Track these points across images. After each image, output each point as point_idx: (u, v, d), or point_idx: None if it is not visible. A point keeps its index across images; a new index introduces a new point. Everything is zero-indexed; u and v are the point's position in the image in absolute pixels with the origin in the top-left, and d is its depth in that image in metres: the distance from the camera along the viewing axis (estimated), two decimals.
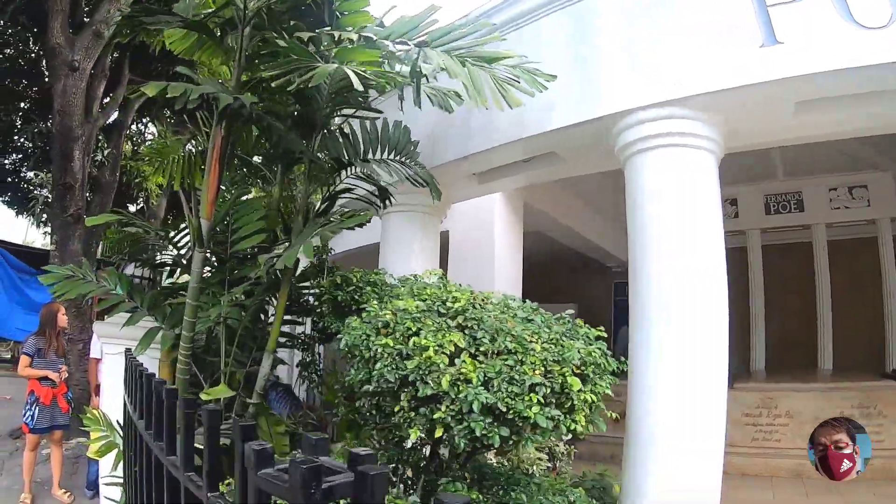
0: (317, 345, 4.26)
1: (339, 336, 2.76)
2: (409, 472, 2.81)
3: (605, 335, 2.64)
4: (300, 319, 4.25)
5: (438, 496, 0.78)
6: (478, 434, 2.06)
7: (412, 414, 2.26)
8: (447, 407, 2.12)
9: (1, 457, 6.59)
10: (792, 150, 7.25)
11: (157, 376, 2.06)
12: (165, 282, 4.48)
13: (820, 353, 8.99)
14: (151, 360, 3.58)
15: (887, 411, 6.64)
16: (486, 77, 2.77)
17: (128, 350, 3.74)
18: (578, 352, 2.31)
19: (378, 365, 2.33)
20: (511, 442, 2.19)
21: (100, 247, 9.62)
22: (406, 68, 2.96)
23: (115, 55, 9.09)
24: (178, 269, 4.15)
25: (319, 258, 4.05)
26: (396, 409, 2.31)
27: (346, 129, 3.85)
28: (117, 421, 3.53)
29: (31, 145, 11.64)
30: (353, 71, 2.31)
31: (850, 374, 7.69)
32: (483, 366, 2.16)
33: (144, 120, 12.72)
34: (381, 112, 3.70)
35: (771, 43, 3.21)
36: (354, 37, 2.56)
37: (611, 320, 10.37)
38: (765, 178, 9.23)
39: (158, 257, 4.41)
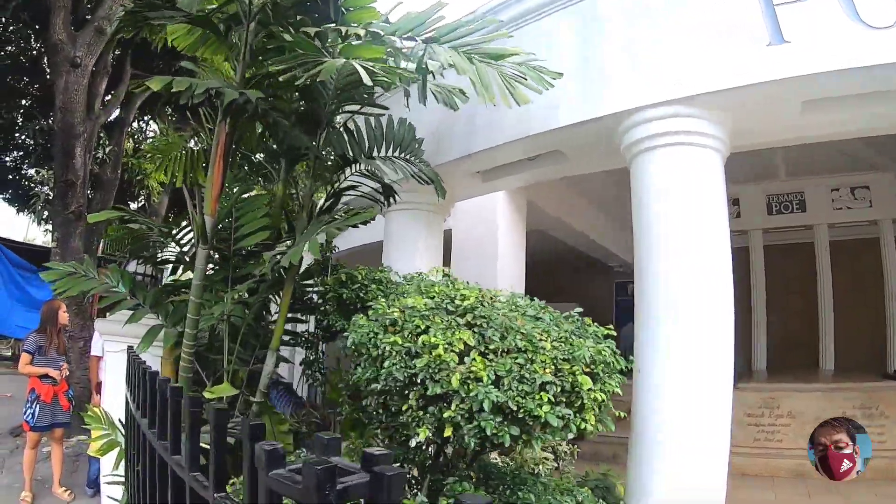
0: (320, 343, 4.23)
1: (345, 334, 2.73)
2: (415, 472, 2.79)
3: (615, 333, 2.62)
4: (304, 317, 4.23)
5: (460, 497, 0.76)
6: (488, 433, 2.04)
7: (420, 413, 2.24)
8: (457, 406, 2.10)
9: (1, 454, 6.57)
10: (794, 150, 7.23)
11: (160, 374, 2.04)
12: (167, 279, 4.46)
13: (821, 353, 8.99)
14: (153, 358, 3.55)
15: (889, 412, 6.64)
16: (494, 74, 2.75)
17: (130, 348, 3.73)
18: (588, 350, 2.29)
19: (386, 363, 2.30)
20: (521, 441, 2.17)
21: (101, 244, 9.61)
22: (412, 65, 2.94)
23: (117, 52, 9.08)
24: (181, 267, 4.12)
25: (324, 256, 4.03)
26: (404, 407, 2.29)
27: (351, 127, 3.83)
28: (119, 419, 3.51)
29: (32, 143, 11.63)
30: (362, 65, 2.29)
31: (852, 375, 7.68)
32: (493, 364, 2.14)
33: (146, 117, 12.70)
34: (387, 108, 3.68)
35: (778, 42, 3.20)
36: (361, 32, 2.54)
37: (613, 320, 10.34)
38: (767, 178, 9.22)
39: (160, 255, 4.38)
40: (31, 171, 12.91)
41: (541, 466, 3.40)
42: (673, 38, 3.49)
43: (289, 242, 3.82)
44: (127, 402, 2.94)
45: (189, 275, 4.07)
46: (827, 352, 8.95)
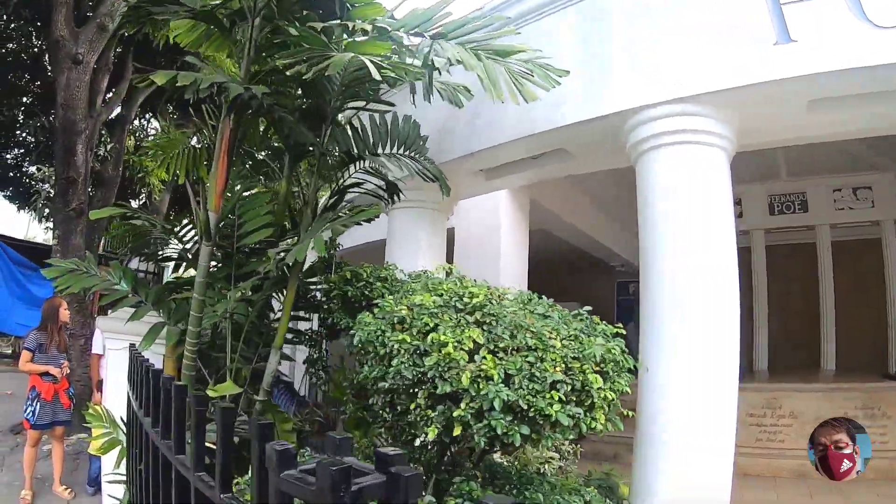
0: (324, 341, 4.21)
1: (352, 332, 2.71)
2: (420, 471, 2.76)
3: (624, 332, 2.61)
4: (307, 315, 4.20)
5: (484, 498, 0.74)
6: (499, 432, 2.01)
7: (429, 412, 2.21)
8: (466, 404, 2.07)
9: (2, 452, 6.55)
10: (796, 150, 7.23)
11: (163, 372, 2.02)
12: (169, 276, 4.44)
13: (823, 353, 8.99)
14: (155, 356, 3.53)
15: (891, 412, 6.62)
16: (501, 70, 2.73)
17: (132, 345, 3.71)
18: (599, 348, 2.27)
19: (394, 362, 2.28)
20: (531, 440, 2.15)
21: (102, 242, 9.59)
22: (417, 62, 2.92)
23: (119, 50, 9.06)
24: (184, 264, 4.09)
25: (328, 253, 4.01)
26: (412, 406, 2.27)
27: (356, 123, 3.81)
28: (121, 417, 3.49)
29: (33, 140, 11.61)
30: (370, 60, 2.27)
31: (854, 376, 7.67)
32: (503, 362, 2.12)
33: (147, 115, 12.68)
34: (393, 104, 3.66)
35: (785, 41, 3.20)
36: (368, 27, 2.52)
37: (614, 319, 10.34)
38: (769, 179, 9.20)
39: (162, 252, 4.36)
40: (32, 169, 12.88)
41: (546, 466, 3.38)
42: (679, 36, 3.49)
43: (289, 241, 3.82)
44: (129, 401, 2.92)
45: (191, 272, 4.05)
46: (828, 352, 8.95)
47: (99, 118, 8.37)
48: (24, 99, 11.33)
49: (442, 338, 2.19)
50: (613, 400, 2.30)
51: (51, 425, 5.46)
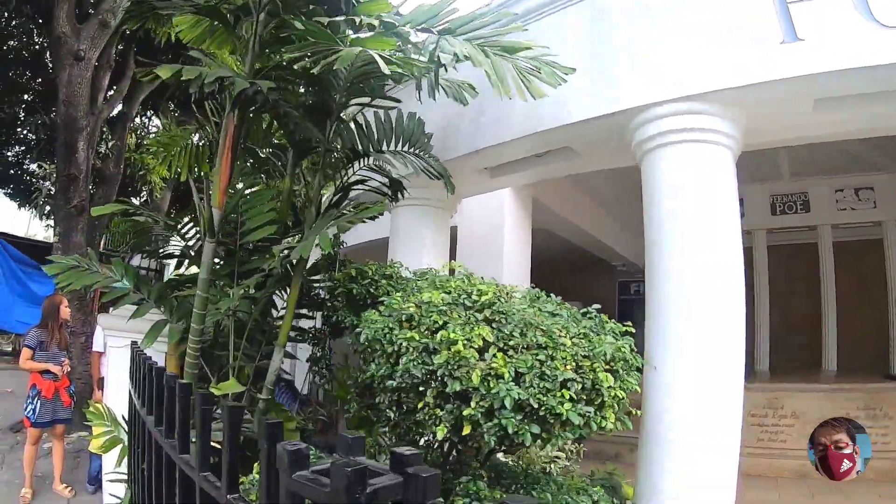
0: (328, 339, 4.19)
1: (357, 330, 2.68)
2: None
3: (633, 330, 2.59)
4: (311, 313, 4.18)
5: (507, 499, 0.72)
6: (510, 431, 1.99)
7: (437, 410, 2.19)
8: (476, 403, 2.05)
9: (2, 451, 6.52)
10: (798, 151, 7.22)
11: (166, 370, 1.99)
12: (171, 274, 4.41)
13: (824, 354, 8.98)
14: (157, 354, 3.51)
15: (893, 413, 6.60)
16: (509, 67, 2.71)
17: (134, 343, 3.68)
18: (609, 347, 2.25)
19: (403, 359, 2.25)
20: (540, 440, 2.12)
21: (103, 240, 9.57)
22: (423, 59, 2.89)
23: (121, 47, 9.04)
24: (186, 261, 4.07)
25: (334, 251, 3.99)
26: (420, 405, 2.24)
27: (360, 120, 3.78)
28: (122, 416, 3.47)
29: (34, 137, 11.59)
30: (379, 55, 2.25)
31: (856, 376, 7.65)
32: (514, 361, 2.09)
33: (149, 113, 12.66)
34: (399, 101, 3.64)
35: (791, 39, 3.19)
36: (376, 23, 2.50)
37: (616, 319, 10.34)
38: (771, 179, 9.18)
39: (164, 249, 4.34)
40: (33, 166, 12.86)
41: (552, 465, 3.35)
42: (685, 34, 3.48)
43: (289, 239, 3.79)
44: (130, 399, 2.89)
45: (193, 269, 4.03)
46: (829, 352, 8.94)
47: (100, 115, 8.35)
48: (25, 96, 11.31)
49: (451, 335, 2.16)
50: (623, 399, 2.27)
51: (51, 423, 5.43)
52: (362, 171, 3.87)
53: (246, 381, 3.60)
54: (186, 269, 4.20)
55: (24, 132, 11.65)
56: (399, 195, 4.02)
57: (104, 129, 10.02)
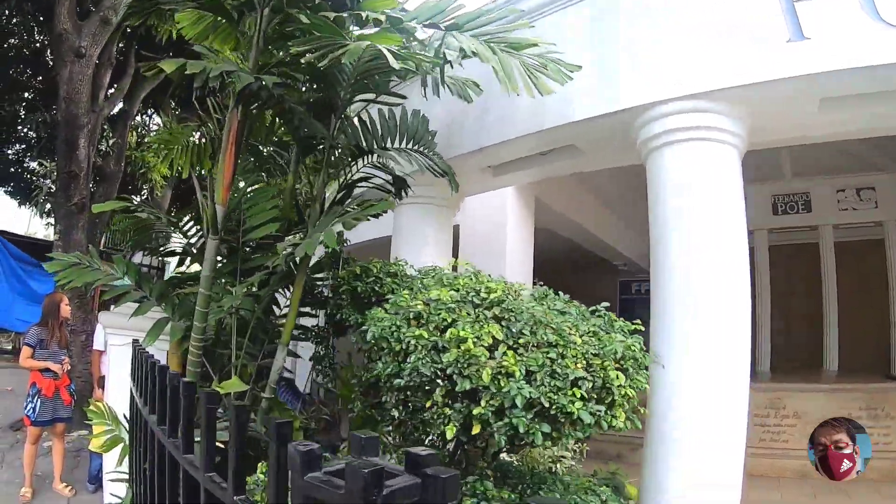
0: (331, 338, 4.16)
1: (364, 327, 2.65)
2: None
3: (642, 328, 2.57)
4: (314, 312, 4.16)
5: (533, 499, 0.69)
6: (521, 431, 1.96)
7: (446, 409, 2.16)
8: (487, 402, 2.02)
9: (1, 449, 6.50)
10: (800, 150, 7.20)
11: (169, 368, 1.97)
12: (173, 271, 4.38)
13: (825, 354, 8.96)
14: (159, 352, 3.48)
15: (895, 413, 6.58)
16: (516, 64, 2.69)
17: (136, 341, 3.65)
18: (619, 345, 2.22)
19: (411, 358, 2.22)
20: (550, 439, 2.10)
21: (103, 237, 9.54)
22: (428, 55, 2.87)
23: (121, 45, 9.01)
24: (189, 258, 4.04)
25: (340, 248, 3.96)
26: (428, 404, 2.21)
27: (364, 117, 3.76)
28: (123, 414, 3.44)
29: (34, 135, 11.57)
30: (388, 49, 2.22)
31: (857, 376, 7.64)
32: (524, 359, 2.07)
33: (149, 111, 12.64)
34: (404, 97, 3.62)
35: (798, 38, 3.19)
36: (382, 18, 2.47)
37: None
38: (773, 179, 9.16)
39: (165, 246, 4.31)
40: (34, 164, 12.85)
41: (558, 465, 3.33)
42: (692, 32, 3.46)
43: (291, 237, 3.77)
44: (132, 397, 2.87)
45: (195, 267, 4.01)
46: (831, 353, 8.92)
47: (101, 113, 8.33)
48: (26, 94, 11.30)
49: (461, 333, 2.13)
50: (633, 397, 2.25)
51: (51, 422, 5.41)
52: (366, 168, 3.84)
53: (248, 379, 3.57)
54: (188, 266, 4.17)
55: (25, 130, 11.63)
56: (403, 193, 3.99)
57: (105, 127, 10.00)
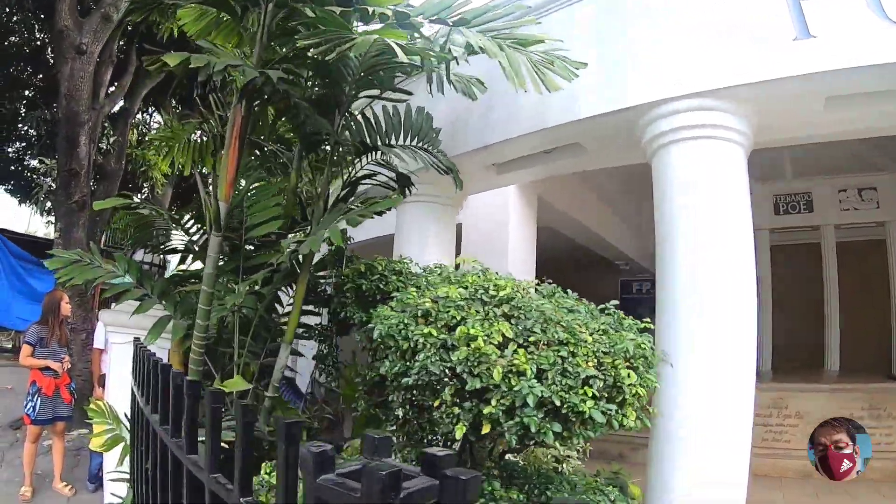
0: (335, 336, 4.14)
1: (370, 325, 2.62)
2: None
3: (652, 327, 2.55)
4: (317, 310, 4.13)
5: (554, 500, 0.67)
6: (533, 430, 1.93)
7: (454, 409, 2.13)
8: (497, 401, 1.99)
9: (1, 448, 6.48)
10: (801, 150, 7.19)
11: (172, 367, 1.94)
12: (174, 269, 4.36)
13: (827, 354, 8.95)
14: (160, 351, 3.46)
15: None
16: (524, 60, 2.66)
17: (137, 339, 3.62)
18: (630, 343, 2.20)
19: (420, 356, 2.19)
20: (561, 438, 2.07)
21: (104, 236, 9.51)
22: (435, 50, 2.84)
23: (122, 43, 8.98)
24: (191, 256, 4.01)
25: (345, 245, 3.93)
26: (436, 403, 2.18)
27: (368, 114, 3.73)
28: (124, 413, 3.41)
29: (35, 133, 11.55)
30: (396, 43, 2.19)
31: (859, 376, 7.63)
32: (535, 357, 2.04)
33: (150, 109, 12.61)
34: (410, 93, 3.59)
35: (804, 36, 3.17)
36: (389, 12, 2.44)
37: None
38: (774, 178, 9.14)
39: (167, 243, 4.29)
40: (34, 163, 12.82)
41: (564, 465, 3.31)
42: (699, 29, 3.44)
43: (293, 234, 3.74)
44: (133, 396, 2.84)
45: (197, 265, 3.98)
46: (832, 353, 8.92)
47: (102, 110, 8.30)
48: (26, 92, 11.28)
49: (471, 331, 2.10)
50: (644, 396, 2.22)
51: (51, 421, 5.39)
52: (369, 165, 3.82)
53: (251, 378, 3.54)
54: (190, 264, 4.15)
55: (25, 128, 11.61)
56: (407, 190, 3.97)
57: (106, 125, 9.98)
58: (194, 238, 3.97)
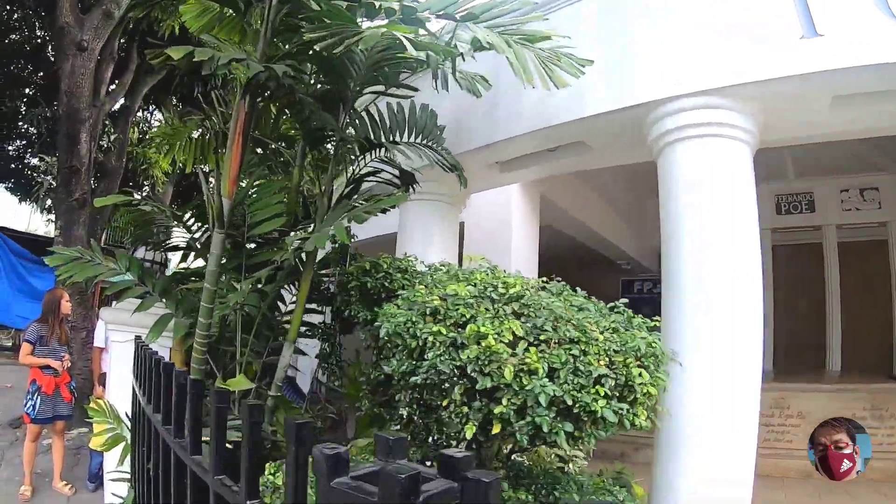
0: (338, 335, 4.11)
1: (377, 324, 2.59)
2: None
3: (660, 325, 2.52)
4: (320, 308, 4.10)
5: (563, 500, 0.64)
6: (545, 430, 1.90)
7: (464, 408, 2.10)
8: (508, 400, 1.96)
9: (1, 447, 6.45)
10: (803, 150, 7.18)
11: (174, 366, 1.91)
12: (176, 267, 4.33)
13: (828, 354, 8.96)
14: (162, 349, 3.42)
15: None
16: (531, 56, 2.64)
17: (138, 337, 3.60)
18: (641, 342, 2.17)
19: (429, 355, 2.16)
20: (572, 438, 2.05)
21: (104, 234, 9.49)
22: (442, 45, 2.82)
23: (123, 41, 8.96)
24: (193, 254, 3.98)
25: (351, 242, 3.91)
26: (445, 402, 2.15)
27: (373, 111, 3.71)
28: (125, 413, 3.39)
29: (35, 131, 11.53)
30: (405, 37, 2.17)
31: (861, 376, 7.63)
32: (547, 356, 2.01)
33: (151, 107, 12.59)
34: (416, 89, 3.56)
35: (811, 35, 3.16)
36: (396, 6, 2.42)
37: None
38: (776, 178, 9.12)
39: (168, 241, 4.26)
40: (34, 161, 12.80)
41: (570, 465, 3.29)
42: (705, 27, 3.43)
43: (295, 231, 3.71)
44: (134, 395, 2.81)
45: (199, 262, 3.95)
46: (834, 353, 8.92)
47: (103, 108, 8.28)
48: (27, 90, 11.26)
49: (482, 329, 2.07)
50: (654, 395, 2.20)
51: (51, 419, 5.36)
52: (373, 162, 3.79)
53: (253, 377, 3.52)
54: (191, 262, 4.12)
55: (25, 127, 11.59)
56: (411, 188, 3.94)
57: (106, 123, 9.96)
58: (196, 235, 3.94)
